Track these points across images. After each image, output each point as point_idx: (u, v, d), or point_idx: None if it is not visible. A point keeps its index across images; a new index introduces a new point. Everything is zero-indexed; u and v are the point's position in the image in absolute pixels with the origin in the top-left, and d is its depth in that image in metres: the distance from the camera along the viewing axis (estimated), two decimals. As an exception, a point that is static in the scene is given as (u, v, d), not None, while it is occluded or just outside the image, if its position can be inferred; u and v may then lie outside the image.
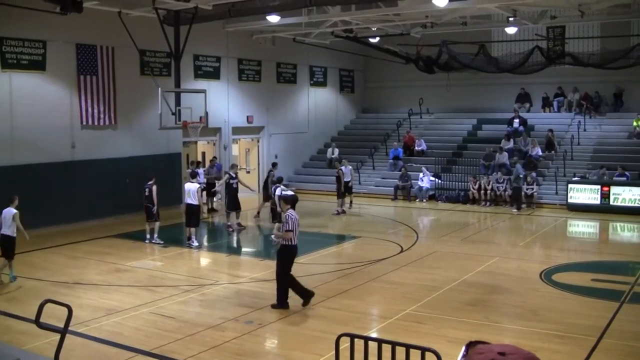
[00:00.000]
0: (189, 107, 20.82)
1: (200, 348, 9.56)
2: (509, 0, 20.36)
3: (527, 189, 23.63)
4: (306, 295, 11.54)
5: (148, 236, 17.64)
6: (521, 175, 23.09)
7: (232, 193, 19.09)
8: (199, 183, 20.61)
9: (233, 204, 19.04)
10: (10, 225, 13.44)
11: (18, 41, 18.87)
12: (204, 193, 22.12)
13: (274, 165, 23.54)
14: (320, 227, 20.42)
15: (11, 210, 13.51)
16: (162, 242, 17.36)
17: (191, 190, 17.20)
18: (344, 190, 23.03)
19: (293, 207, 11.90)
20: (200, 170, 22.42)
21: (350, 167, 23.93)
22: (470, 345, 4.79)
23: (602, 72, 24.43)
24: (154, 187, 17.40)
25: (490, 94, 30.39)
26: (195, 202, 17.17)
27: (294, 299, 12.09)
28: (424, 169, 25.96)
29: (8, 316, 11.02)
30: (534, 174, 23.83)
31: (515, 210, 22.77)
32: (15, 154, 18.91)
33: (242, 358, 9.32)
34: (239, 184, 19.48)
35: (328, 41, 28.53)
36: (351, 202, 23.79)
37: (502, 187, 24.21)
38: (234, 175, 19.29)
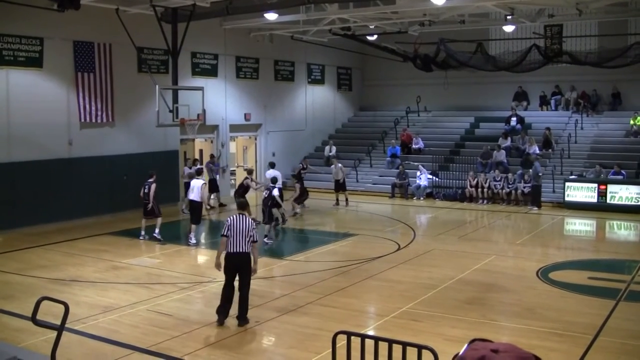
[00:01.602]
0: (187, 104, 20.82)
1: (197, 345, 9.56)
2: (507, -1, 20.39)
3: (524, 187, 23.69)
4: (220, 311, 10.49)
5: (143, 232, 17.62)
6: (540, 174, 23.12)
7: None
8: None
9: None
10: None
11: (15, 38, 18.83)
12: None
13: (305, 158, 24.06)
14: (317, 224, 20.44)
15: None
16: (161, 238, 17.36)
17: (195, 186, 17.18)
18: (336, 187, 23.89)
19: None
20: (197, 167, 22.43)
21: (341, 164, 24.26)
22: (472, 342, 4.80)
23: (600, 71, 24.41)
24: (153, 186, 17.36)
25: (487, 92, 30.41)
26: (198, 199, 17.14)
27: (293, 296, 12.10)
28: (420, 167, 25.96)
29: (4, 313, 11.00)
30: (531, 172, 23.83)
31: (536, 209, 22.80)
32: (12, 151, 18.89)
33: (238, 356, 9.32)
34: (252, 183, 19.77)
35: (326, 39, 28.51)
36: (347, 199, 23.97)
37: (500, 185, 24.25)
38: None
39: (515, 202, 23.76)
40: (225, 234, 10.42)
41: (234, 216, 10.57)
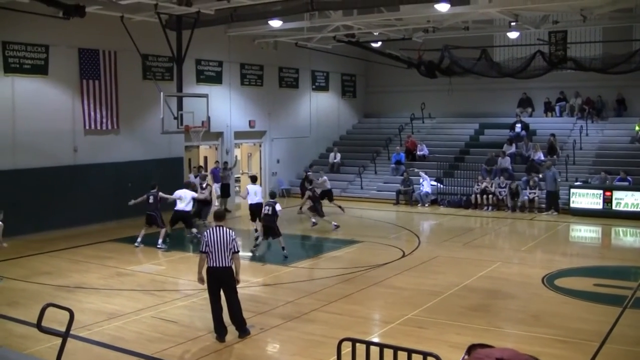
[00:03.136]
0: (191, 111, 20.89)
1: (201, 353, 9.55)
2: (511, 5, 20.39)
3: (529, 193, 23.65)
4: (218, 330, 10.13)
5: (139, 240, 17.54)
6: (558, 179, 23.12)
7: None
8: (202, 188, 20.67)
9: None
10: None
11: (21, 45, 18.91)
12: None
13: (311, 166, 23.94)
14: (322, 231, 20.40)
15: None
16: (164, 247, 17.37)
17: (257, 191, 18.63)
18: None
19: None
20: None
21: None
22: (472, 348, 4.80)
23: (604, 77, 24.45)
24: (160, 194, 17.70)
25: (492, 98, 30.40)
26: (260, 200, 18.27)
27: (298, 303, 12.08)
28: (421, 173, 25.93)
29: (9, 320, 11.01)
30: (536, 179, 23.81)
31: (556, 213, 22.81)
32: (18, 158, 18.94)
33: (243, 363, 9.31)
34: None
35: (330, 46, 28.56)
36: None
37: (504, 191, 24.21)
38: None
39: (520, 209, 23.67)
40: (203, 250, 9.97)
41: (212, 229, 10.08)
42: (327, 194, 23.22)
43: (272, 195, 17.46)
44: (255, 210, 18.43)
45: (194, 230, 18.46)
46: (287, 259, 15.99)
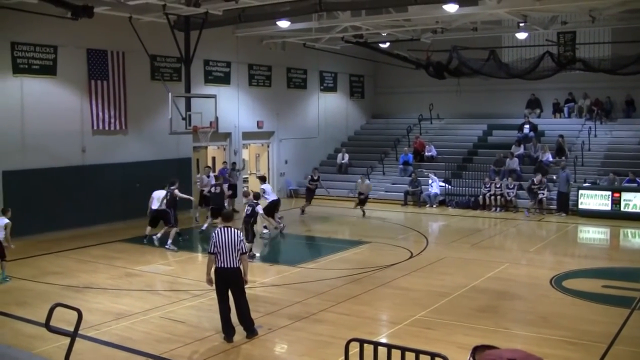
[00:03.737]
0: (199, 112, 20.93)
1: (209, 353, 9.56)
2: (520, 6, 20.34)
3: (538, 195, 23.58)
4: (226, 331, 10.13)
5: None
6: (572, 182, 23.05)
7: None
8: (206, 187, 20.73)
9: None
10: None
11: (29, 46, 18.97)
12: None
13: (316, 169, 24.79)
14: (330, 232, 20.40)
15: (3, 220, 14.06)
16: (175, 248, 17.38)
17: (271, 188, 19.68)
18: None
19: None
20: (211, 175, 22.46)
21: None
22: (476, 349, 4.78)
23: (613, 78, 24.31)
24: (175, 192, 17.80)
25: (500, 99, 30.34)
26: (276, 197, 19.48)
27: (306, 304, 12.09)
28: (431, 175, 25.91)
29: (18, 320, 11.04)
30: (544, 179, 23.72)
31: (564, 214, 22.79)
32: (26, 159, 19.00)
33: (251, 363, 9.31)
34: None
35: (338, 46, 28.56)
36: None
37: (513, 192, 24.15)
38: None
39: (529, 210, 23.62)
40: (212, 251, 9.98)
41: (220, 229, 10.07)
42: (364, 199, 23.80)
43: (256, 196, 17.21)
44: (273, 206, 18.94)
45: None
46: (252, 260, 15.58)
